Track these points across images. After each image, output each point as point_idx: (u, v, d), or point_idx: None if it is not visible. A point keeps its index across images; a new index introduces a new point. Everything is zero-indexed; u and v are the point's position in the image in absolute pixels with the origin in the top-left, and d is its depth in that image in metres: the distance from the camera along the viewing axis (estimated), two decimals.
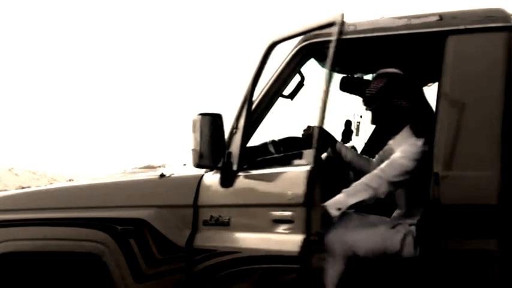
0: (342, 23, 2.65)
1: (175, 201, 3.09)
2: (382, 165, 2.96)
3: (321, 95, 2.63)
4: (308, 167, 2.67)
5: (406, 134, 3.07)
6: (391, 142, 3.15)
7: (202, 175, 3.11)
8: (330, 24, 2.68)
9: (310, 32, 2.90)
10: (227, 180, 2.94)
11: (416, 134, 3.02)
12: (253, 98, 3.16)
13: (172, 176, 3.20)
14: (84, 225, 3.09)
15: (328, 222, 2.83)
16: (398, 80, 3.06)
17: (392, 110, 3.07)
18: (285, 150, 3.36)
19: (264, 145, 3.36)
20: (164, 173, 3.22)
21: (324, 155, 3.41)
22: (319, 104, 2.62)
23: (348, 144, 3.43)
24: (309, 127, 3.26)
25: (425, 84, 3.83)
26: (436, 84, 3.24)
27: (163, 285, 3.02)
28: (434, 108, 3.04)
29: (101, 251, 3.04)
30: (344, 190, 2.88)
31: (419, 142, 2.98)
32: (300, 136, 3.43)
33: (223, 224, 2.93)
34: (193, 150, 2.91)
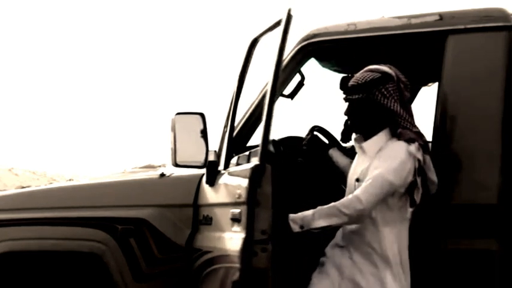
0: (289, 18, 2.54)
1: (175, 201, 3.10)
2: (365, 185, 2.61)
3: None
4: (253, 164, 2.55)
5: (386, 137, 2.74)
6: (365, 145, 2.77)
7: (203, 174, 3.11)
8: (280, 22, 2.57)
9: (274, 28, 2.74)
10: (210, 179, 2.91)
11: (404, 137, 2.67)
12: (256, 99, 3.16)
13: (173, 175, 3.20)
14: (84, 225, 3.09)
15: (288, 233, 2.67)
16: (390, 80, 2.74)
17: (375, 108, 2.73)
18: (285, 150, 3.36)
19: None
20: (164, 173, 3.22)
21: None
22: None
23: (347, 145, 3.37)
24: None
25: (425, 84, 3.83)
26: (436, 84, 3.24)
27: (164, 285, 3.02)
28: (434, 107, 3.04)
29: (101, 251, 3.04)
30: (318, 208, 2.64)
31: (412, 147, 2.64)
32: (298, 136, 3.42)
33: (208, 223, 2.92)
34: (171, 149, 2.90)
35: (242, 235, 2.51)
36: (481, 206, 2.70)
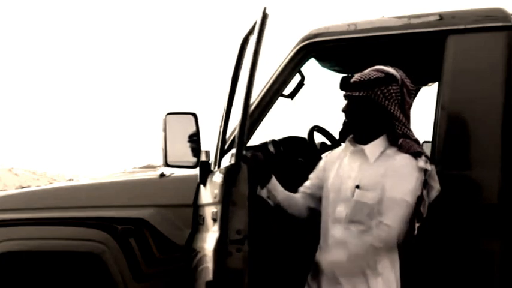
0: (264, 17, 2.52)
1: (175, 201, 3.10)
2: (393, 213, 2.52)
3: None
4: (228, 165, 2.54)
5: (385, 143, 2.65)
6: (366, 149, 2.65)
7: None
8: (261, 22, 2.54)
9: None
10: (202, 179, 2.90)
11: (409, 150, 2.59)
12: (256, 98, 3.16)
13: (172, 175, 3.20)
14: (84, 225, 3.09)
15: None
16: (394, 82, 2.65)
17: (374, 107, 2.64)
18: (285, 150, 3.36)
19: (264, 144, 3.35)
20: (164, 173, 3.22)
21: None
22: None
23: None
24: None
25: (425, 84, 3.83)
26: (436, 84, 3.24)
27: (163, 285, 3.02)
28: (434, 107, 3.04)
29: (101, 251, 3.04)
30: (353, 252, 2.54)
31: (421, 162, 2.56)
32: (298, 136, 3.42)
33: (201, 223, 2.92)
34: (162, 149, 2.90)
35: (217, 234, 2.51)
36: (482, 206, 2.70)
